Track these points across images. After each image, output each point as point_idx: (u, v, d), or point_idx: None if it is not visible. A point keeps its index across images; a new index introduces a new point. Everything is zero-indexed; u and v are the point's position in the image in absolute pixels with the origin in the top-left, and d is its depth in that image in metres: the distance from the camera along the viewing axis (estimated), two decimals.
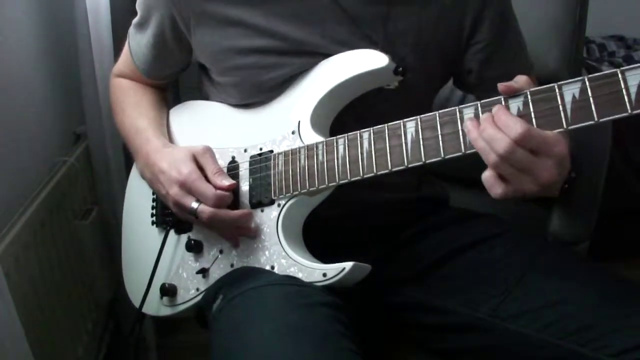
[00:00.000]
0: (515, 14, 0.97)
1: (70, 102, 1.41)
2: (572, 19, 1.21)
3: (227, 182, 0.87)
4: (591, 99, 0.64)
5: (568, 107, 0.65)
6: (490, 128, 0.68)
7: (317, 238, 0.88)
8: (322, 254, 0.85)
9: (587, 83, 0.64)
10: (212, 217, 0.85)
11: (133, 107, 1.05)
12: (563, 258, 0.91)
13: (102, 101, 1.32)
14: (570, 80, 0.66)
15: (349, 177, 0.81)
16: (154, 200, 1.02)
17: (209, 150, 0.91)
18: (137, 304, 1.00)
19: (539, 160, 0.67)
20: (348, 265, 0.79)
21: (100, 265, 1.43)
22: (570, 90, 0.66)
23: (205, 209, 0.86)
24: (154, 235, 1.01)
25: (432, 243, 0.96)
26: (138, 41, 1.02)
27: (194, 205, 0.87)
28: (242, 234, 0.89)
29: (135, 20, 1.01)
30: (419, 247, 0.96)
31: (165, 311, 0.98)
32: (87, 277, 1.40)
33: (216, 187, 0.86)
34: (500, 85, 0.70)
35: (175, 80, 1.15)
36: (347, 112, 0.89)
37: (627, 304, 0.79)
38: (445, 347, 0.91)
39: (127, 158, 1.37)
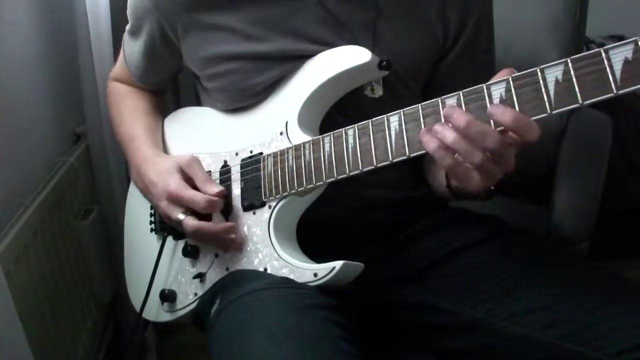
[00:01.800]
0: (516, 14, 0.97)
1: (70, 102, 1.40)
2: (572, 19, 1.21)
3: (216, 189, 0.89)
4: (575, 80, 0.62)
5: (551, 90, 0.64)
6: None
7: (316, 238, 0.88)
8: (322, 255, 0.85)
9: (570, 65, 0.62)
10: (196, 231, 0.87)
11: (129, 113, 1.07)
12: (562, 258, 0.91)
13: (102, 101, 1.32)
14: (552, 63, 0.64)
15: (335, 175, 0.81)
16: (152, 207, 1.03)
17: (195, 161, 0.92)
18: (138, 309, 1.01)
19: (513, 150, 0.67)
20: (338, 264, 0.79)
21: (100, 266, 1.43)
22: (553, 73, 0.64)
23: (189, 223, 0.87)
24: (153, 242, 1.02)
25: (432, 243, 0.96)
26: (131, 47, 1.04)
27: (180, 217, 0.88)
28: (229, 245, 0.89)
29: (127, 27, 1.03)
30: (418, 247, 0.96)
31: (165, 317, 0.98)
32: (87, 277, 1.40)
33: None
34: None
35: (175, 80, 1.15)
36: (342, 117, 0.89)
37: (626, 304, 0.79)
38: (445, 347, 0.91)
39: None
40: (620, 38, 2.21)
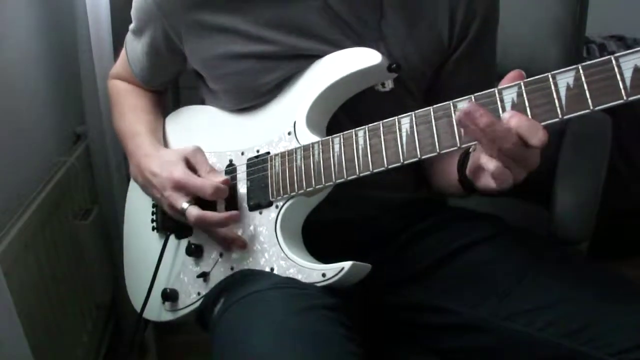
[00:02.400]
0: (516, 14, 0.97)
1: (70, 102, 1.41)
2: (572, 19, 1.21)
3: (221, 177, 0.89)
4: (585, 86, 0.63)
5: (562, 96, 0.64)
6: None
7: (318, 239, 0.88)
8: (324, 255, 0.85)
9: (582, 71, 0.63)
10: (198, 219, 0.86)
11: (130, 111, 1.06)
12: (563, 258, 0.91)
13: (102, 101, 1.32)
14: (563, 69, 0.64)
15: (345, 176, 0.80)
16: (154, 205, 1.02)
17: (199, 151, 0.92)
18: (139, 309, 1.00)
19: (535, 152, 0.67)
20: (347, 265, 0.79)
21: (100, 266, 1.43)
22: (564, 79, 0.64)
23: (193, 211, 0.86)
24: (155, 240, 1.01)
25: (432, 243, 0.96)
26: (134, 47, 1.04)
27: (184, 205, 0.87)
28: (232, 241, 0.89)
29: (131, 27, 1.02)
30: (419, 247, 0.96)
31: (167, 316, 0.98)
32: (87, 277, 1.40)
33: None
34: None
35: (175, 81, 1.15)
36: (345, 114, 0.89)
37: (627, 303, 0.79)
38: (446, 347, 0.91)
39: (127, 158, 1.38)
40: (620, 38, 2.22)
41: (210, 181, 0.87)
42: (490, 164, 0.68)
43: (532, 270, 0.86)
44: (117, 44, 1.21)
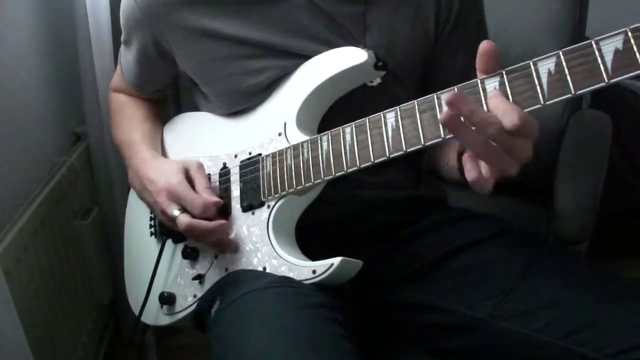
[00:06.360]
0: (515, 13, 0.97)
1: (70, 102, 1.41)
2: (572, 19, 1.21)
3: (214, 199, 0.89)
4: (567, 70, 0.62)
5: (544, 82, 0.64)
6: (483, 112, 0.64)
7: (316, 240, 0.88)
8: (323, 255, 0.85)
9: (562, 56, 0.63)
10: (188, 227, 0.87)
11: (128, 120, 1.08)
12: (563, 258, 0.91)
13: (102, 101, 1.33)
14: (544, 56, 0.64)
15: (333, 173, 0.81)
16: (152, 211, 1.03)
17: (201, 166, 0.94)
18: (137, 313, 1.01)
19: (525, 142, 0.65)
20: (336, 260, 0.79)
21: (100, 265, 1.43)
22: (545, 65, 0.64)
23: (183, 219, 0.87)
24: (153, 245, 1.02)
25: (432, 242, 0.96)
26: (126, 57, 1.05)
27: (176, 213, 0.88)
28: (221, 246, 0.90)
29: (122, 38, 1.04)
30: (418, 247, 0.96)
31: (165, 320, 0.98)
32: (87, 277, 1.40)
33: None
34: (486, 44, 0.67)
35: (175, 82, 1.16)
36: (337, 113, 0.89)
37: (626, 304, 0.79)
38: (445, 347, 0.91)
39: None
40: None
41: (202, 199, 0.88)
42: (471, 173, 0.68)
43: (531, 270, 0.86)
44: (117, 44, 1.21)
